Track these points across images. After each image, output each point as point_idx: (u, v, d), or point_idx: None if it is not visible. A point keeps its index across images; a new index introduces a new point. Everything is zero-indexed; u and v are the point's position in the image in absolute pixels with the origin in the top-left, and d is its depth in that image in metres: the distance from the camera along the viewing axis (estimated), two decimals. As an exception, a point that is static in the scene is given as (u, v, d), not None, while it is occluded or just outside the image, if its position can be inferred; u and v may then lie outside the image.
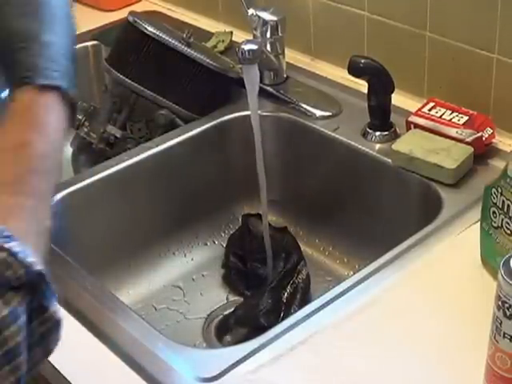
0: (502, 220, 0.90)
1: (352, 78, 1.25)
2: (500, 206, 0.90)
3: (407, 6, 1.24)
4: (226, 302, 1.21)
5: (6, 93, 0.77)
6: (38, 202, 0.68)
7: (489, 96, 1.19)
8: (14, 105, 0.72)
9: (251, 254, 1.22)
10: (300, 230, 1.30)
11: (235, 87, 1.29)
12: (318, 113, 1.29)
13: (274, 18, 1.30)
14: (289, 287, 1.13)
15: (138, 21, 1.29)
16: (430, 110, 1.18)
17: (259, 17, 1.30)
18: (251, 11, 1.30)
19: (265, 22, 1.30)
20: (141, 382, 0.83)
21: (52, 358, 0.85)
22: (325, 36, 1.40)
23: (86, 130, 1.31)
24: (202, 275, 1.25)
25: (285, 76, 1.37)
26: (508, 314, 0.72)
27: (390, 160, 1.15)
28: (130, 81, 1.29)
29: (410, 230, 1.03)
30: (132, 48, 1.30)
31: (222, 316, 1.17)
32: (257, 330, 1.00)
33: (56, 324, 0.61)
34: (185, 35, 1.30)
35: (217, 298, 1.21)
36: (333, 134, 1.24)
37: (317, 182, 1.29)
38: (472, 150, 1.11)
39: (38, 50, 0.74)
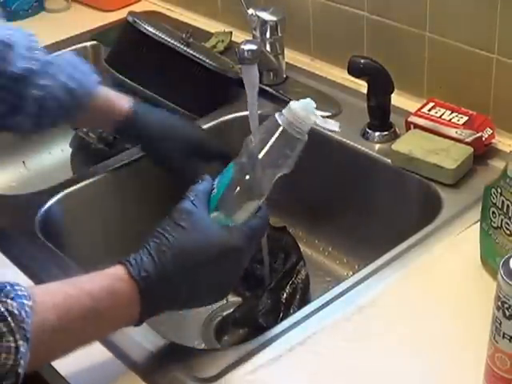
0: (502, 220, 0.90)
1: (352, 78, 1.25)
2: (500, 207, 0.90)
3: (407, 6, 1.24)
4: (225, 302, 1.20)
5: None
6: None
7: (489, 96, 1.18)
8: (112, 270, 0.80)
9: (250, 254, 1.21)
10: (299, 230, 1.30)
11: (235, 87, 1.28)
12: (318, 113, 1.28)
13: (274, 18, 1.30)
14: (288, 287, 1.13)
15: (138, 21, 1.29)
16: (429, 110, 1.18)
17: (259, 17, 1.30)
18: (251, 11, 1.30)
19: (264, 22, 1.30)
20: (140, 383, 0.83)
21: (50, 359, 0.86)
22: (324, 36, 1.40)
23: (84, 130, 1.31)
24: (202, 276, 1.25)
25: (284, 76, 1.37)
26: (507, 314, 0.72)
27: (389, 160, 1.15)
28: (129, 81, 1.29)
29: (409, 230, 1.03)
30: (131, 48, 1.30)
31: (221, 317, 1.17)
32: (256, 330, 0.99)
33: None
34: (184, 35, 1.30)
35: (216, 298, 1.21)
36: (332, 134, 1.23)
37: (316, 182, 1.29)
38: (472, 150, 1.11)
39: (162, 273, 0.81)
